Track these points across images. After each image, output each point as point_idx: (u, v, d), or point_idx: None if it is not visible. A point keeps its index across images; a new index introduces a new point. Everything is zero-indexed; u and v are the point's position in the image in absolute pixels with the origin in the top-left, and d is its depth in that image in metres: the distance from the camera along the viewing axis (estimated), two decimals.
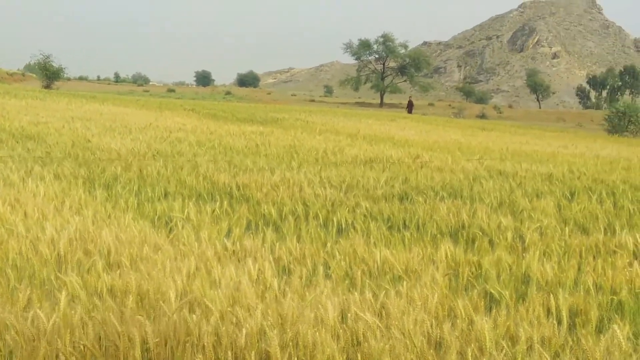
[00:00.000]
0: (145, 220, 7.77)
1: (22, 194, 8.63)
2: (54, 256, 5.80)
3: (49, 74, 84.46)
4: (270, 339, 3.81)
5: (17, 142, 15.56)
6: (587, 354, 4.04)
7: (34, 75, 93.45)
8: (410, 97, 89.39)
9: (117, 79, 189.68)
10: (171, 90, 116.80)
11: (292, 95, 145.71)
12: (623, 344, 4.18)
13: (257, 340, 3.91)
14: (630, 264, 6.54)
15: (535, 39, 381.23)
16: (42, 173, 10.74)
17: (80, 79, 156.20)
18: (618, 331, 4.29)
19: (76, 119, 24.24)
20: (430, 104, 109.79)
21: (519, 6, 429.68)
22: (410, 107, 78.33)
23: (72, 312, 4.12)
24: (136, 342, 3.73)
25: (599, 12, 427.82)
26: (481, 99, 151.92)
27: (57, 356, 3.64)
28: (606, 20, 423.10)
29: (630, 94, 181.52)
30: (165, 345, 3.89)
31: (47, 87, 76.98)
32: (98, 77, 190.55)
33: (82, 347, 3.78)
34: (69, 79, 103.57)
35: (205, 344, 3.83)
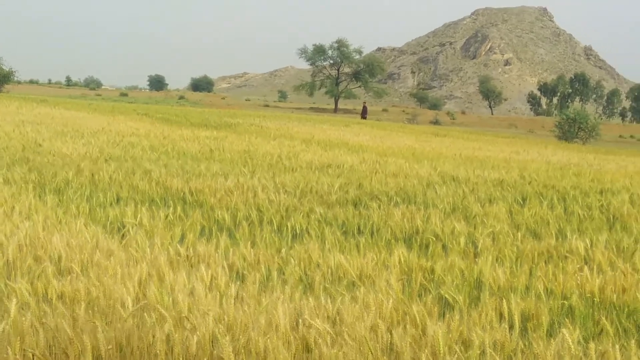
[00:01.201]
0: (97, 225, 7.70)
1: None
2: (3, 262, 5.73)
3: None
4: (223, 345, 3.79)
5: None
6: (539, 357, 4.07)
7: None
8: (364, 102, 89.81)
9: (69, 83, 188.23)
10: (124, 95, 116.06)
11: (246, 100, 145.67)
12: (573, 347, 4.23)
13: (210, 347, 3.89)
14: (581, 269, 6.62)
15: (488, 46, 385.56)
16: None
17: (31, 82, 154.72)
18: (568, 335, 4.34)
19: (27, 122, 23.98)
20: (384, 110, 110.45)
21: (472, 13, 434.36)
22: (364, 112, 78.71)
23: (22, 319, 4.07)
24: (87, 349, 3.69)
25: (550, 20, 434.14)
26: (434, 105, 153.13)
27: None
28: (557, 28, 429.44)
29: (580, 101, 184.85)
30: (120, 352, 3.85)
31: None
32: (49, 80, 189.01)
33: (31, 355, 3.74)
34: (19, 82, 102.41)
35: (158, 351, 3.81)
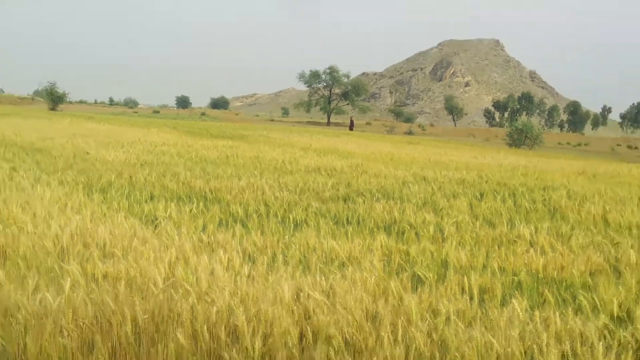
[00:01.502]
0: (135, 218, 7.69)
1: (31, 197, 8.51)
2: (58, 249, 5.73)
3: (54, 98, 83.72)
4: (237, 315, 3.79)
5: (27, 155, 15.33)
6: (494, 323, 4.08)
7: (42, 99, 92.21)
8: (351, 117, 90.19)
9: (111, 102, 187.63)
10: (156, 112, 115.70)
11: (255, 115, 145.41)
12: (521, 314, 4.24)
13: (227, 316, 3.89)
14: (527, 251, 6.64)
15: (452, 71, 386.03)
16: (49, 180, 10.59)
17: (80, 102, 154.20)
18: (517, 305, 4.35)
19: (77, 135, 23.93)
20: (368, 123, 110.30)
21: (439, 44, 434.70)
22: (351, 125, 79.06)
23: (74, 294, 4.07)
24: (127, 319, 3.69)
25: (502, 50, 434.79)
26: (408, 119, 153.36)
27: (60, 331, 3.59)
28: (507, 56, 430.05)
29: (526, 115, 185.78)
30: (152, 321, 3.85)
31: (53, 109, 76.24)
32: (95, 100, 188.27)
33: (81, 325, 3.74)
34: (71, 102, 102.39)
35: (184, 319, 3.81)
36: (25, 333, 3.55)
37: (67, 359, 3.33)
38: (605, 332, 4.25)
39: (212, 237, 6.53)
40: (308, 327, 3.85)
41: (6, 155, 14.98)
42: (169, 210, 8.26)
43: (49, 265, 5.17)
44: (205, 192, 10.46)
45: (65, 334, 3.57)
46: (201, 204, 9.05)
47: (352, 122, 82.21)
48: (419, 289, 4.84)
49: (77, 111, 74.33)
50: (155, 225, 7.32)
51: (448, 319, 4.19)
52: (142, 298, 4.11)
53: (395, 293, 4.68)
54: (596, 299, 5.01)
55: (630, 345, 4.11)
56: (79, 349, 3.45)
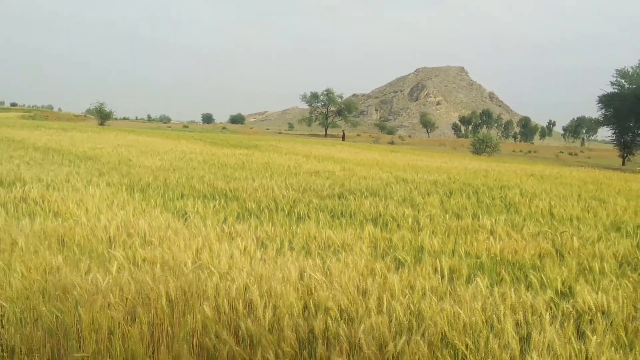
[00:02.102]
0: (168, 213, 7.71)
1: (84, 196, 8.52)
2: (106, 238, 5.74)
3: (102, 115, 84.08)
4: (252, 291, 3.80)
5: (81, 161, 15.33)
6: (461, 297, 4.09)
7: (92, 116, 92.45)
8: (343, 130, 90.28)
9: (149, 118, 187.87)
10: (185, 127, 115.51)
11: (266, 129, 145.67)
12: (483, 289, 4.25)
13: (244, 292, 3.90)
14: (488, 238, 6.65)
15: (426, 92, 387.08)
16: (98, 182, 10.60)
17: (124, 118, 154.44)
18: (480, 282, 4.36)
19: (121, 146, 23.93)
20: (358, 135, 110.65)
21: (415, 71, 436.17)
22: (343, 136, 79.28)
23: (120, 275, 4.08)
24: (162, 294, 3.70)
25: (466, 75, 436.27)
26: (391, 132, 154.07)
27: (109, 305, 3.59)
28: (471, 80, 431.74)
29: (486, 128, 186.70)
30: (183, 296, 3.86)
31: (102, 124, 76.40)
32: (136, 117, 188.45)
33: (125, 299, 3.74)
34: (116, 119, 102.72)
35: (209, 295, 3.82)
36: (79, 306, 3.56)
37: (115, 327, 3.33)
38: (551, 304, 4.27)
39: (232, 227, 6.54)
40: (310, 301, 3.86)
41: (64, 162, 14.99)
42: (196, 206, 8.27)
43: (99, 251, 5.19)
44: (225, 191, 10.47)
45: (113, 307, 3.57)
46: (222, 201, 9.07)
47: (344, 134, 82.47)
48: (400, 270, 4.86)
49: (121, 126, 74.40)
50: (185, 219, 7.33)
51: (424, 294, 4.21)
52: (174, 277, 4.11)
53: (380, 273, 4.69)
54: (544, 278, 5.02)
55: (571, 315, 4.13)
56: (124, 319, 3.45)
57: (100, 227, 6.02)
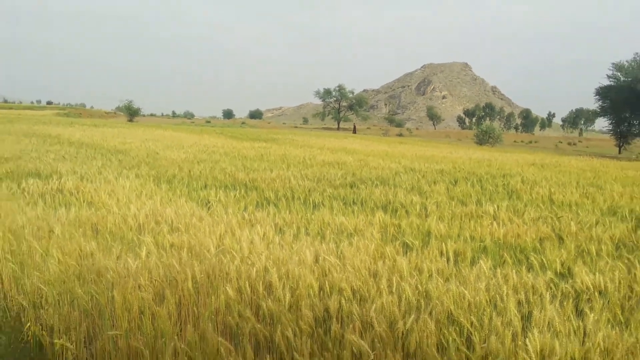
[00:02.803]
0: (193, 202, 7.74)
1: (115, 187, 8.58)
2: (136, 225, 5.78)
3: (131, 112, 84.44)
4: (271, 273, 3.82)
5: (112, 155, 15.44)
6: (465, 278, 4.08)
7: (122, 113, 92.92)
8: (354, 124, 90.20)
9: (174, 115, 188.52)
10: (208, 122, 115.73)
11: (283, 123, 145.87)
12: (486, 271, 4.24)
13: (264, 274, 3.91)
14: (491, 223, 6.62)
15: (432, 87, 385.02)
16: (128, 174, 10.67)
17: (151, 115, 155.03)
18: (483, 264, 4.35)
19: (148, 140, 24.05)
20: (368, 128, 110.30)
21: (421, 67, 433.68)
22: (354, 129, 79.21)
23: (149, 259, 4.11)
24: (189, 276, 3.72)
25: (470, 70, 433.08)
26: (399, 125, 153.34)
27: (139, 287, 3.63)
28: (474, 75, 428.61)
29: (489, 120, 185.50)
30: (208, 278, 3.88)
31: (130, 120, 76.79)
32: (162, 113, 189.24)
33: (154, 281, 3.78)
34: (143, 115, 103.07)
35: (231, 277, 3.84)
36: (112, 288, 3.60)
37: (145, 307, 3.36)
38: (551, 284, 4.25)
39: (252, 215, 6.56)
40: (325, 282, 3.87)
41: (96, 155, 15.10)
42: (218, 195, 8.31)
43: (130, 238, 5.23)
44: (245, 182, 10.50)
45: (143, 288, 3.61)
46: (243, 190, 9.09)
47: (355, 127, 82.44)
48: (409, 253, 4.85)
49: (148, 122, 74.75)
50: (209, 207, 7.36)
51: (431, 275, 4.20)
52: (199, 261, 4.14)
53: (390, 256, 4.69)
54: (544, 260, 4.99)
55: (570, 294, 4.10)
56: (153, 300, 3.48)
57: (130, 216, 6.06)
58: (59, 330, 3.47)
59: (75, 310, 3.50)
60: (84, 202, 7.27)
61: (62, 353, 3.21)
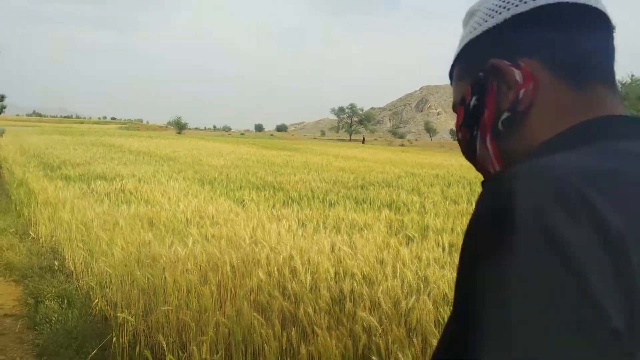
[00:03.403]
0: (230, 200, 7.79)
1: (166, 187, 8.66)
2: (184, 219, 5.82)
3: (180, 126, 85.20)
4: (295, 260, 3.82)
5: (164, 161, 15.59)
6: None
7: (172, 127, 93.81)
8: (363, 136, 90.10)
9: (214, 128, 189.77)
10: (242, 134, 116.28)
11: (304, 135, 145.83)
12: None
13: (289, 261, 3.92)
14: None
15: (429, 105, 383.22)
16: (177, 177, 10.76)
17: (196, 128, 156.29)
18: None
19: (193, 149, 24.26)
20: (375, 139, 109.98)
21: (420, 88, 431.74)
22: (363, 140, 79.13)
23: (194, 247, 4.14)
24: (227, 262, 3.74)
25: None
26: (401, 137, 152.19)
27: (187, 270, 3.65)
28: None
29: None
30: (242, 264, 3.89)
31: (179, 133, 77.44)
32: (204, 127, 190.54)
33: (199, 266, 3.80)
34: (190, 129, 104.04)
35: (262, 263, 3.85)
36: (165, 271, 3.62)
37: (191, 287, 3.38)
38: None
39: (279, 211, 6.58)
40: (340, 268, 3.86)
41: (150, 161, 15.27)
42: (251, 195, 8.34)
43: (179, 229, 5.27)
44: (273, 184, 10.54)
45: (189, 272, 3.63)
46: (271, 191, 9.13)
47: (364, 138, 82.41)
48: (410, 244, 4.82)
49: (193, 134, 75.37)
50: (243, 205, 7.40)
51: (429, 263, 4.17)
52: (236, 249, 4.15)
53: (394, 246, 4.66)
54: None
55: None
56: (198, 281, 3.50)
57: (179, 211, 6.12)
58: (121, 305, 3.51)
59: (135, 289, 3.53)
60: (141, 200, 7.35)
61: (124, 324, 3.24)
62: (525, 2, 0.62)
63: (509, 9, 0.63)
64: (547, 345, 0.42)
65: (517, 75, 0.62)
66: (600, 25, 0.63)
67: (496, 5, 0.65)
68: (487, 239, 0.48)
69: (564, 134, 0.59)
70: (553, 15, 0.61)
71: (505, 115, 0.63)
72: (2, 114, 46.38)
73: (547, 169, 0.50)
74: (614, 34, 0.64)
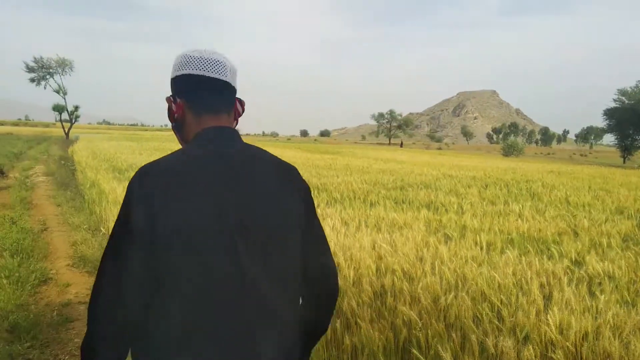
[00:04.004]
0: None
1: None
2: None
3: None
4: (339, 257, 3.82)
5: None
6: (495, 264, 3.94)
7: None
8: (401, 140, 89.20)
9: (263, 134, 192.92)
10: (288, 139, 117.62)
11: (346, 140, 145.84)
12: (513, 259, 4.07)
13: (333, 257, 3.92)
14: (517, 220, 6.38)
15: (465, 110, 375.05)
16: None
17: (247, 134, 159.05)
18: (510, 253, 4.18)
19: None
20: (413, 143, 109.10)
21: (457, 94, 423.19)
22: (401, 144, 78.39)
23: None
24: None
25: (497, 96, 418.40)
26: (438, 140, 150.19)
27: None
28: (501, 100, 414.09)
29: (513, 136, 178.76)
30: None
31: None
32: (254, 133, 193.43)
33: None
34: (241, 135, 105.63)
35: None
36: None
37: None
38: (568, 270, 4.03)
39: (324, 211, 6.60)
40: (381, 264, 3.84)
41: None
42: None
43: None
44: (318, 185, 10.58)
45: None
46: (316, 191, 9.17)
47: (402, 142, 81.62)
48: (448, 243, 4.74)
49: (245, 139, 76.68)
50: None
51: (466, 261, 4.08)
52: None
53: (433, 245, 4.59)
54: (562, 250, 4.75)
55: (584, 279, 3.88)
56: None
57: None
58: None
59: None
60: None
61: None
62: (176, 72, 1.18)
63: (174, 73, 1.19)
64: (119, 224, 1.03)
65: (174, 106, 1.20)
66: (215, 84, 1.18)
67: (173, 70, 1.19)
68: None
69: (194, 136, 1.16)
70: (186, 79, 1.17)
71: (173, 123, 1.22)
72: (76, 123, 48.55)
73: (144, 166, 1.06)
74: (235, 87, 1.23)
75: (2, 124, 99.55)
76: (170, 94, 1.21)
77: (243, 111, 1.32)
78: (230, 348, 1.00)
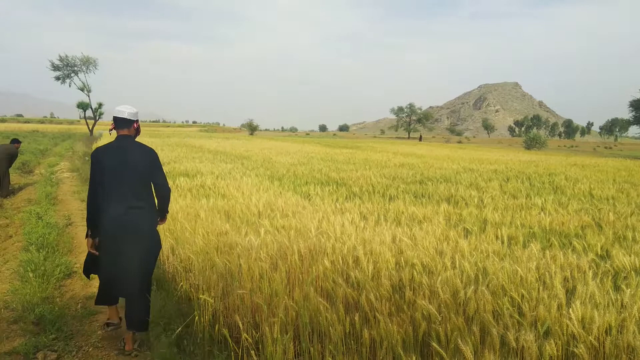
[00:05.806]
0: (297, 195, 7.89)
1: (240, 183, 8.91)
2: (257, 211, 5.96)
3: (252, 128, 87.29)
4: (358, 250, 3.81)
5: (238, 160, 16.06)
6: (518, 258, 3.88)
7: (245, 129, 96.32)
8: (421, 134, 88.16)
9: (282, 129, 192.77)
10: (307, 134, 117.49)
11: (365, 134, 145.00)
12: (536, 253, 4.00)
13: (352, 251, 3.91)
14: (539, 213, 6.26)
15: (487, 103, 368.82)
16: (250, 173, 11.05)
17: (266, 130, 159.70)
18: (533, 247, 4.11)
19: (264, 149, 24.79)
20: (433, 137, 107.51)
21: (478, 86, 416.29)
22: (420, 138, 77.51)
23: (266, 237, 4.23)
24: (295, 251, 3.79)
25: (520, 88, 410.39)
26: (459, 134, 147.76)
27: (259, 258, 3.74)
28: (523, 92, 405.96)
29: (536, 129, 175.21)
30: (309, 253, 3.94)
31: (251, 134, 79.24)
32: (274, 128, 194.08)
33: (270, 255, 3.88)
34: (260, 130, 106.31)
35: (328, 252, 3.87)
36: (239, 258, 3.74)
37: (263, 273, 3.47)
38: (593, 264, 3.94)
39: (342, 205, 6.59)
40: (400, 258, 3.81)
41: (226, 160, 15.78)
42: (316, 190, 8.40)
43: (252, 221, 5.40)
44: (336, 179, 10.56)
45: (262, 259, 3.72)
46: (335, 186, 9.16)
47: (421, 136, 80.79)
48: (468, 237, 4.68)
49: (264, 135, 77.06)
50: (309, 199, 7.47)
51: (487, 255, 4.03)
52: (303, 240, 4.20)
53: (453, 239, 4.54)
54: (585, 244, 4.65)
55: (609, 272, 3.79)
56: (269, 268, 3.58)
57: (252, 204, 6.27)
58: (202, 288, 3.66)
59: (214, 274, 3.66)
60: (219, 194, 7.60)
61: (205, 305, 3.38)
62: (117, 113, 3.55)
63: (133, 116, 3.58)
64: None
65: (135, 124, 3.60)
66: (124, 121, 3.53)
67: (129, 115, 3.56)
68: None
69: (116, 137, 3.54)
70: (120, 119, 3.52)
71: (135, 132, 3.60)
72: (100, 119, 49.38)
73: (98, 147, 3.54)
74: (132, 119, 3.56)
75: (29, 122, 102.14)
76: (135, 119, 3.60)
77: (138, 127, 3.64)
78: (120, 200, 3.30)
